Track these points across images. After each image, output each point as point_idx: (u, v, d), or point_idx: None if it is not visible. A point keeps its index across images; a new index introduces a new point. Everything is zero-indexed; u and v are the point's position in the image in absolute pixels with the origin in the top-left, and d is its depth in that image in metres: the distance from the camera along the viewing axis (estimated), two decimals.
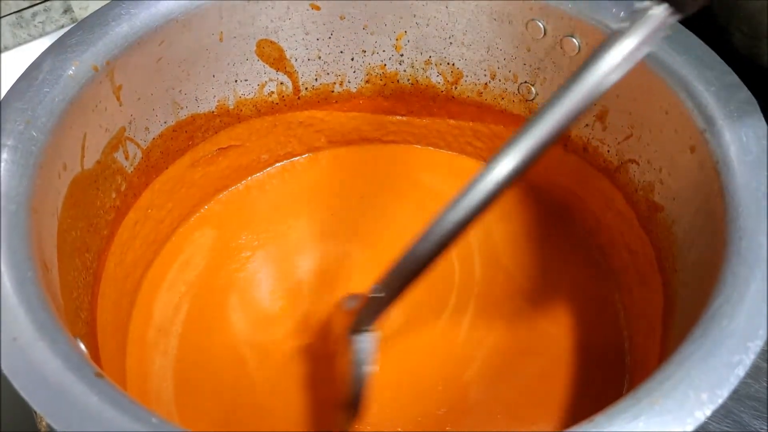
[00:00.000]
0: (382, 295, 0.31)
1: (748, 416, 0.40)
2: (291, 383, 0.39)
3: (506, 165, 0.27)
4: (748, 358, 0.25)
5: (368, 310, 0.33)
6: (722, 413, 0.40)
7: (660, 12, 0.26)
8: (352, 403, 0.34)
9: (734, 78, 0.34)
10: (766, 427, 0.39)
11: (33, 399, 0.24)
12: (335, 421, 0.36)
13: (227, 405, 0.39)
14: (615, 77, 0.26)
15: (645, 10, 0.26)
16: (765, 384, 0.41)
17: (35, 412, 0.32)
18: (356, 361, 0.33)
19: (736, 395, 0.40)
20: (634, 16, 0.26)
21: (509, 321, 0.42)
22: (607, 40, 0.26)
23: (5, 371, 0.25)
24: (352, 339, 0.33)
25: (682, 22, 0.37)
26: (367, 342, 0.33)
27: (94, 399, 0.24)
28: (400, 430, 0.38)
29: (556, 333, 0.41)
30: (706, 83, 0.34)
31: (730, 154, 0.32)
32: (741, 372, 0.25)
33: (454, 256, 0.44)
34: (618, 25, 0.26)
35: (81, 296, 0.35)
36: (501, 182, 0.27)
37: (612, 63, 0.26)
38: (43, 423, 0.31)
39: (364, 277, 0.44)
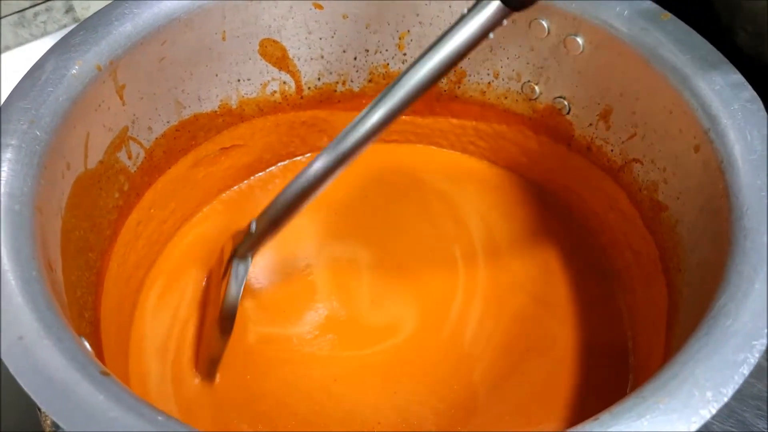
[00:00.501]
0: (255, 230, 0.37)
1: (751, 416, 0.40)
2: (305, 383, 0.39)
3: (366, 124, 0.33)
4: (753, 357, 0.25)
5: (246, 242, 0.38)
6: (725, 413, 0.40)
7: (494, 6, 0.31)
8: (224, 321, 0.38)
9: (738, 77, 0.34)
10: None
11: (39, 397, 0.24)
12: (211, 338, 0.39)
13: (229, 404, 0.39)
14: (455, 56, 0.32)
15: (484, 3, 0.31)
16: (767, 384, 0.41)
17: (40, 411, 0.32)
18: (231, 282, 0.38)
19: (739, 395, 0.40)
20: (475, 6, 0.31)
21: (513, 321, 0.42)
22: (453, 24, 0.32)
23: (11, 369, 0.25)
24: (232, 264, 0.38)
25: (686, 20, 0.37)
26: (242, 268, 0.38)
27: (99, 397, 0.24)
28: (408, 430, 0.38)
29: (559, 333, 0.41)
30: (710, 82, 0.34)
31: (735, 153, 0.32)
32: (746, 370, 0.25)
33: (458, 256, 0.44)
34: (462, 12, 0.31)
35: (85, 296, 0.35)
36: (363, 136, 0.33)
37: (455, 43, 0.32)
38: (48, 422, 0.31)
39: (367, 275, 0.44)
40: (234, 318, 0.38)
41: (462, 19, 0.31)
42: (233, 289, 0.38)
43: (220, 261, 0.41)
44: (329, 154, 0.33)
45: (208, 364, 0.39)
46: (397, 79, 0.33)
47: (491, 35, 0.31)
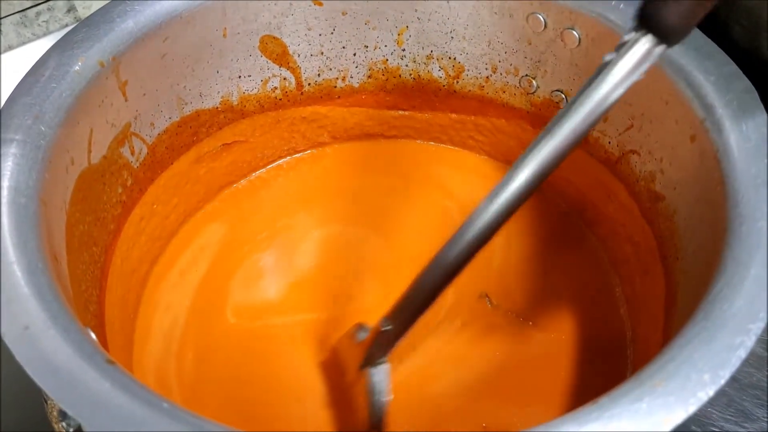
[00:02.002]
0: (391, 328, 0.32)
1: (750, 405, 0.40)
2: (297, 377, 0.40)
3: (496, 204, 0.28)
4: (750, 340, 0.26)
5: (379, 344, 0.33)
6: (725, 402, 0.40)
7: (646, 43, 0.26)
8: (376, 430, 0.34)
9: (733, 67, 0.35)
10: None
11: (46, 386, 0.25)
12: None
13: (233, 398, 0.39)
14: (606, 104, 0.27)
15: (632, 41, 0.26)
16: (767, 373, 0.41)
17: (46, 402, 0.32)
18: (372, 392, 0.34)
19: (738, 384, 0.41)
20: (621, 48, 0.26)
21: (512, 314, 0.42)
22: (596, 72, 0.27)
23: (19, 359, 0.25)
24: (366, 372, 0.34)
25: None
26: (381, 374, 0.34)
27: (106, 385, 0.25)
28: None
29: (558, 325, 0.41)
30: (706, 73, 0.34)
31: (730, 142, 0.32)
32: (742, 353, 0.25)
33: None
34: (606, 57, 0.27)
35: (89, 289, 0.35)
36: (493, 221, 0.28)
37: (601, 93, 0.27)
38: (54, 413, 0.31)
39: (369, 271, 0.44)
40: (383, 429, 0.34)
41: (607, 65, 0.27)
42: (377, 402, 0.34)
43: (335, 360, 0.39)
44: (467, 230, 0.28)
45: None
46: (532, 144, 0.28)
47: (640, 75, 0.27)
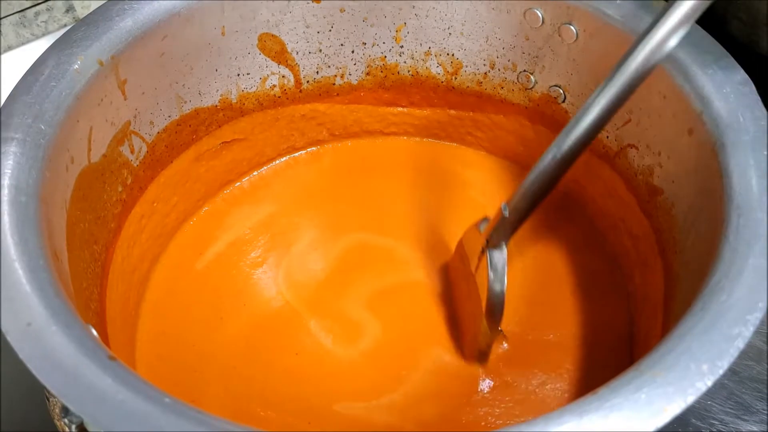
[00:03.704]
0: (509, 215, 0.35)
1: (750, 397, 0.40)
2: (295, 376, 0.40)
3: (599, 103, 0.32)
4: (748, 331, 0.26)
5: (499, 229, 0.36)
6: (725, 395, 0.40)
7: None
8: (494, 313, 0.37)
9: (730, 60, 0.35)
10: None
11: (49, 382, 0.25)
12: (479, 331, 0.38)
13: (237, 395, 0.39)
14: (673, 42, 0.30)
15: None
16: (766, 366, 0.41)
17: (48, 398, 0.32)
18: (492, 271, 0.36)
19: (738, 377, 0.41)
20: None
21: (512, 309, 0.42)
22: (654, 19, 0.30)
23: (21, 356, 0.25)
24: (487, 254, 0.37)
25: None
26: (499, 257, 0.37)
27: (108, 381, 0.25)
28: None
29: (558, 320, 0.41)
30: (703, 66, 0.35)
31: (728, 134, 0.32)
32: (741, 344, 0.25)
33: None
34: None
35: (90, 287, 0.35)
36: (599, 115, 0.32)
37: (669, 26, 0.30)
38: (56, 410, 0.31)
39: (370, 268, 0.44)
40: (502, 311, 0.37)
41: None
42: (496, 282, 0.36)
43: (460, 254, 0.41)
44: (574, 125, 0.33)
45: (479, 354, 0.39)
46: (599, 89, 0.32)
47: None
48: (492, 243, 0.37)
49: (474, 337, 0.39)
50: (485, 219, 0.39)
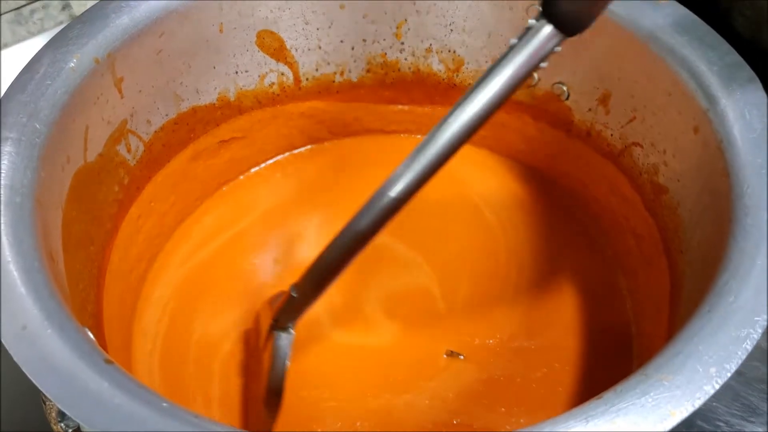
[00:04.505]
0: (297, 296, 0.33)
1: (756, 399, 0.40)
2: (300, 377, 0.39)
3: (400, 184, 0.29)
4: (756, 333, 0.25)
5: (287, 310, 0.34)
6: (731, 396, 0.40)
7: (547, 31, 0.27)
8: (271, 398, 0.35)
9: (736, 57, 0.34)
10: None
11: (44, 386, 0.24)
12: (259, 417, 0.36)
13: (237, 396, 0.39)
14: (507, 90, 0.28)
15: (535, 28, 0.27)
16: None
17: (44, 402, 0.32)
18: (275, 357, 0.34)
19: (744, 378, 0.41)
20: (525, 33, 0.28)
21: (515, 307, 0.42)
22: (501, 56, 0.28)
23: (16, 359, 0.25)
24: (273, 335, 0.35)
25: (684, 4, 0.37)
26: (285, 340, 0.35)
27: (104, 384, 0.24)
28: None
29: (562, 318, 0.41)
30: (708, 63, 0.34)
31: (734, 132, 0.32)
32: (749, 346, 0.25)
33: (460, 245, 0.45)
34: (511, 41, 0.28)
35: (87, 289, 0.35)
36: (394, 200, 0.29)
37: (504, 76, 0.28)
38: (53, 414, 0.31)
39: (368, 267, 0.44)
40: (281, 396, 0.35)
41: (510, 49, 0.28)
42: (278, 366, 0.35)
43: (257, 327, 0.39)
44: (371, 207, 0.30)
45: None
46: (431, 132, 0.29)
47: (543, 65, 0.28)
48: (279, 324, 0.35)
49: (255, 417, 0.37)
50: (280, 294, 0.37)
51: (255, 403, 0.37)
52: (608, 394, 0.24)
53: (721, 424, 0.39)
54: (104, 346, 0.35)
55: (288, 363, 0.35)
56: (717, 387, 0.24)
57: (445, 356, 0.39)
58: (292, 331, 0.35)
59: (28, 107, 0.33)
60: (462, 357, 0.39)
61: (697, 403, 0.24)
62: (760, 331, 0.25)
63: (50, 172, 0.32)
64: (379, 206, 0.29)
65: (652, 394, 0.24)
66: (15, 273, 0.27)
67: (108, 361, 0.25)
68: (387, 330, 0.41)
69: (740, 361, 0.24)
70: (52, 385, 0.24)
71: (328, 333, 0.41)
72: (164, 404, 0.24)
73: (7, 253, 0.28)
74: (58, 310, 0.27)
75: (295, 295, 0.33)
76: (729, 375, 0.24)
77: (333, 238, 0.30)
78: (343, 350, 0.40)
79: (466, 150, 0.48)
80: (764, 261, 0.27)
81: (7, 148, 0.31)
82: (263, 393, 0.35)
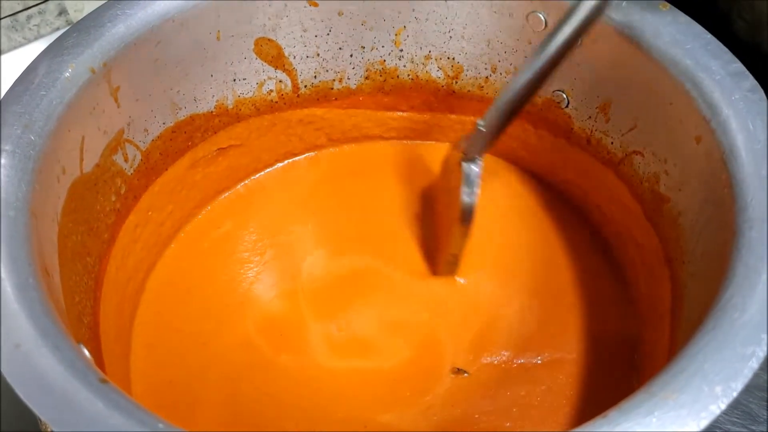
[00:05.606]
0: (484, 129, 0.38)
1: (756, 406, 0.40)
2: (298, 384, 0.39)
3: (576, 18, 0.34)
4: (762, 350, 0.25)
5: (475, 142, 0.39)
6: (731, 404, 0.40)
7: None
8: (464, 219, 0.40)
9: (739, 66, 0.34)
10: None
11: (38, 406, 0.24)
12: (451, 237, 0.41)
13: (233, 409, 0.38)
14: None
15: None
16: None
17: (39, 419, 0.32)
18: (465, 182, 0.39)
19: (744, 386, 0.40)
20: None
21: (515, 318, 0.41)
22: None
23: (8, 379, 0.24)
24: (462, 166, 0.40)
25: (684, 10, 0.37)
26: (474, 168, 0.40)
27: (99, 405, 0.24)
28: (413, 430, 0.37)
29: (563, 328, 0.41)
30: (711, 72, 0.34)
31: (738, 143, 0.31)
32: (755, 364, 0.25)
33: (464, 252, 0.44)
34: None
35: (83, 301, 0.35)
36: (574, 30, 0.34)
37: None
38: (48, 429, 0.31)
39: (368, 274, 0.44)
40: (473, 216, 0.40)
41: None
42: (468, 191, 0.39)
43: (446, 170, 0.43)
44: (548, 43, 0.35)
45: (449, 261, 0.42)
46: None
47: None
48: (467, 156, 0.39)
49: (445, 247, 0.41)
50: (464, 137, 0.41)
51: (448, 230, 0.42)
52: (613, 413, 0.24)
53: None
54: (101, 358, 0.35)
55: (478, 187, 0.39)
56: (723, 407, 0.24)
57: (451, 374, 0.39)
58: (480, 161, 0.39)
59: (23, 118, 0.32)
60: (467, 374, 0.39)
61: (703, 424, 0.23)
62: (765, 348, 0.25)
63: (45, 184, 0.32)
64: (553, 45, 0.34)
65: (656, 413, 0.24)
66: (9, 290, 0.27)
67: (103, 381, 0.25)
68: (385, 334, 0.41)
69: (746, 380, 0.24)
70: (47, 406, 0.24)
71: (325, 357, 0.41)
72: (160, 425, 0.24)
73: (1, 270, 0.27)
74: (52, 327, 0.26)
75: (483, 129, 0.38)
76: (735, 395, 0.24)
77: (515, 75, 0.37)
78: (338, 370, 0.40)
79: None
80: None
81: (1, 160, 0.31)
82: (458, 214, 0.40)
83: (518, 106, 0.37)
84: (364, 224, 0.46)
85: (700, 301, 0.30)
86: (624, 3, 0.37)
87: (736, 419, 0.39)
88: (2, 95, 0.33)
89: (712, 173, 0.32)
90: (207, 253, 0.45)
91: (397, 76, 0.46)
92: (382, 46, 0.45)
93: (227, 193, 0.47)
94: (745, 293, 0.27)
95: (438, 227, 0.44)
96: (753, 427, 0.39)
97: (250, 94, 0.44)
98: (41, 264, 0.29)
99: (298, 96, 0.46)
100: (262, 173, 0.48)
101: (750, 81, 0.33)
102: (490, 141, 0.38)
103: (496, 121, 0.38)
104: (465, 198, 0.39)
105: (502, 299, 0.42)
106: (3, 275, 0.27)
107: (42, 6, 0.56)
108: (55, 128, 0.33)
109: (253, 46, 0.43)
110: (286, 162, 0.49)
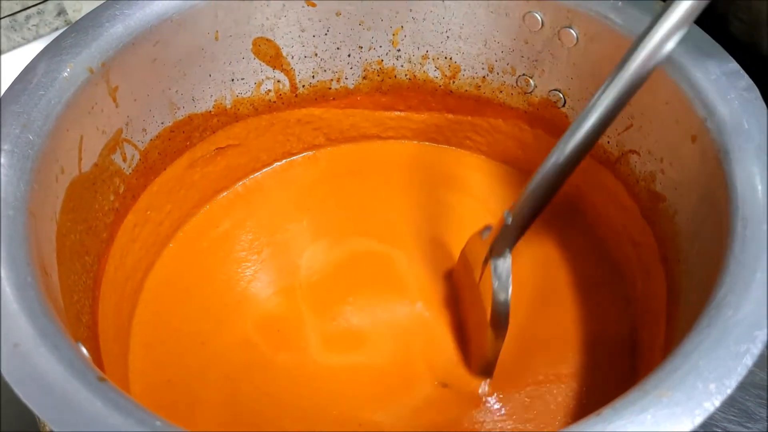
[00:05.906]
0: (512, 222, 0.35)
1: (753, 404, 0.40)
2: (297, 386, 0.39)
3: (600, 107, 0.31)
4: (756, 348, 0.25)
5: (503, 237, 0.36)
6: (727, 402, 0.39)
7: None
8: (499, 323, 0.36)
9: (734, 65, 0.34)
10: None
11: (37, 406, 0.24)
12: (484, 341, 0.38)
13: (232, 408, 0.38)
14: (672, 43, 0.30)
15: None
16: None
17: (38, 418, 0.32)
18: (496, 279, 0.36)
19: (740, 384, 0.40)
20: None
21: (513, 316, 0.41)
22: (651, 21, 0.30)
23: (7, 378, 0.25)
24: (491, 263, 0.37)
25: None
26: (504, 264, 0.36)
27: (98, 404, 0.24)
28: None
29: (560, 327, 0.41)
30: (706, 71, 0.34)
31: (733, 142, 0.32)
32: (749, 361, 0.25)
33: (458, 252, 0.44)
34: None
35: (82, 300, 0.35)
36: (600, 118, 0.32)
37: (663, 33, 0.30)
38: (47, 429, 0.31)
39: (366, 274, 0.44)
40: (507, 321, 0.36)
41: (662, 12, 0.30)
42: (501, 291, 0.36)
43: (464, 263, 0.41)
44: (573, 132, 0.32)
45: (484, 365, 0.39)
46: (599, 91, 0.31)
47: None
48: (495, 251, 0.36)
49: (479, 349, 0.38)
50: (488, 227, 0.38)
51: (478, 331, 0.38)
52: (607, 411, 0.24)
53: (717, 430, 0.39)
54: (100, 357, 0.35)
55: (511, 285, 0.36)
56: (717, 404, 0.24)
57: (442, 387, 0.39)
58: (509, 255, 0.36)
59: (21, 118, 0.32)
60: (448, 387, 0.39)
61: (697, 421, 0.24)
62: (760, 346, 0.25)
63: (44, 184, 0.32)
64: (576, 140, 0.32)
65: (651, 410, 0.24)
66: (8, 289, 0.27)
67: (101, 379, 0.25)
68: (383, 334, 0.41)
69: (740, 378, 0.24)
70: (45, 406, 0.24)
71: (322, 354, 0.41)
72: (158, 423, 0.24)
73: (0, 269, 0.28)
74: (51, 327, 0.26)
75: (510, 221, 0.35)
76: (729, 392, 0.24)
77: (544, 162, 0.33)
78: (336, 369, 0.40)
79: (462, 156, 0.49)
80: (764, 274, 0.27)
81: (0, 160, 0.31)
82: (489, 317, 0.36)
83: (549, 194, 0.34)
84: (362, 223, 0.46)
85: (696, 299, 0.30)
86: (620, 3, 0.37)
87: (733, 417, 0.39)
88: (1, 95, 0.33)
89: (708, 172, 0.33)
90: (205, 253, 0.45)
91: (395, 76, 0.46)
92: (380, 46, 0.45)
93: (225, 193, 0.47)
94: (740, 292, 0.27)
95: (466, 323, 0.41)
96: (750, 426, 0.39)
97: (249, 94, 0.44)
98: (40, 263, 0.30)
99: (296, 96, 0.46)
100: (261, 173, 0.48)
101: (745, 80, 0.33)
102: (519, 234, 0.36)
103: (525, 212, 0.35)
104: (500, 296, 0.36)
105: None
106: (2, 274, 0.27)
107: (41, 6, 0.56)
108: (53, 128, 0.33)
109: (251, 46, 0.43)
110: (284, 161, 0.49)
